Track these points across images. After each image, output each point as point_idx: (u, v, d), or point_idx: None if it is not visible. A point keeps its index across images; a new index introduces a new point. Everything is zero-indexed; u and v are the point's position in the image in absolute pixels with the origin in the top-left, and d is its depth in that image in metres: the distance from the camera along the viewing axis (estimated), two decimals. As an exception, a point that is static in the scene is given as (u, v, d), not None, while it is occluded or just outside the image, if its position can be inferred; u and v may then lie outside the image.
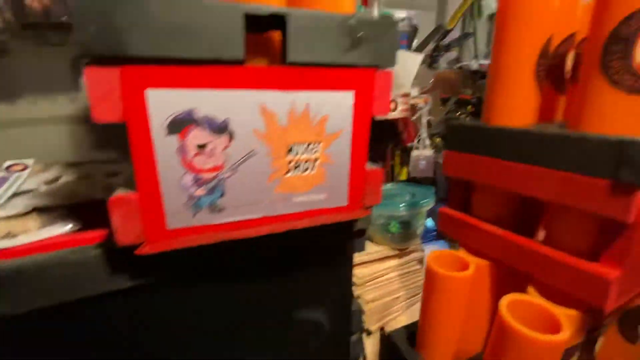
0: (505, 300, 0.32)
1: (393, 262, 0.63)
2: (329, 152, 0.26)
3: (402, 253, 0.63)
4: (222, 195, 0.24)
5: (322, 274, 0.36)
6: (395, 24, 0.25)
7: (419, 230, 0.61)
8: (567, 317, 0.31)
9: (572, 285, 0.31)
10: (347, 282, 0.38)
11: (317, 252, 0.35)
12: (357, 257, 0.60)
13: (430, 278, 0.39)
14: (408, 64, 0.64)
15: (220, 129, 0.22)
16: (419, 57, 0.64)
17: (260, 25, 0.23)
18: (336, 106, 0.25)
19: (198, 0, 0.20)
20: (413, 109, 0.71)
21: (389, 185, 0.67)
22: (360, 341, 0.43)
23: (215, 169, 0.23)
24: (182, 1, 0.19)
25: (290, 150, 0.25)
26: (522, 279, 0.37)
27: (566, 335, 0.29)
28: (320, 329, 0.38)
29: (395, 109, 0.64)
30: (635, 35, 0.26)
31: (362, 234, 0.37)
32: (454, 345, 0.41)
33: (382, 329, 0.60)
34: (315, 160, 0.26)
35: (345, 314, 0.40)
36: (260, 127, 0.23)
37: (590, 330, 0.35)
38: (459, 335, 0.41)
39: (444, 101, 0.79)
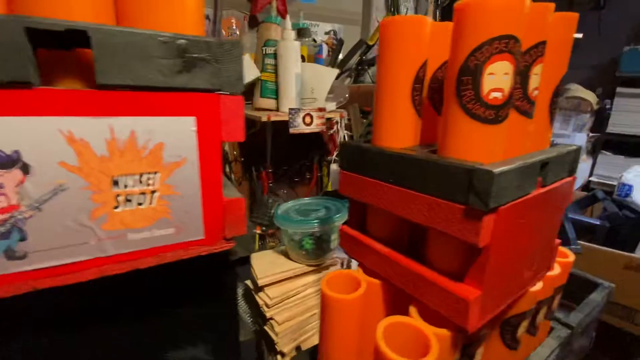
0: (384, 323, 0.32)
1: (310, 278, 0.62)
2: (171, 183, 0.23)
3: (319, 268, 0.62)
4: (22, 239, 0.20)
5: (200, 309, 0.33)
6: (239, 47, 0.23)
7: (334, 245, 0.61)
8: (438, 337, 0.31)
9: (441, 305, 0.32)
10: (231, 313, 0.35)
11: (192, 288, 0.32)
12: (272, 276, 0.58)
13: (323, 300, 0.38)
14: (322, 78, 0.64)
15: (8, 162, 0.18)
16: (333, 72, 0.64)
17: (64, 42, 0.19)
18: (174, 132, 0.22)
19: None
20: (330, 122, 0.71)
21: (307, 200, 0.66)
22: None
23: (7, 209, 0.19)
24: None
25: (116, 182, 0.22)
26: (408, 298, 0.37)
27: (434, 356, 0.29)
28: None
29: (310, 123, 0.63)
30: (482, 67, 0.27)
31: (244, 261, 0.35)
32: (350, 367, 0.40)
33: (298, 348, 0.58)
34: (153, 192, 0.23)
35: (235, 349, 0.37)
36: (70, 158, 0.20)
37: (467, 345, 0.36)
38: (356, 354, 0.41)
39: (365, 114, 0.80)
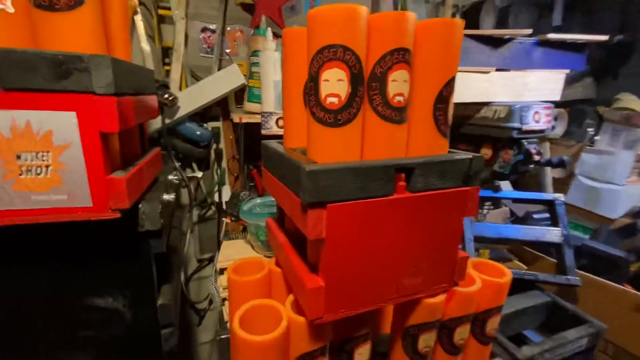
0: (246, 306, 0.35)
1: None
2: (62, 160, 0.31)
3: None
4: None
5: (116, 266, 0.41)
6: (107, 59, 0.30)
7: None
8: (291, 319, 0.34)
9: (298, 293, 0.34)
10: (146, 278, 0.43)
11: (107, 248, 0.40)
12: (230, 261, 0.64)
13: (230, 283, 0.43)
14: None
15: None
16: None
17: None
18: (60, 123, 0.30)
19: None
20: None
21: (271, 197, 0.71)
22: (173, 335, 0.47)
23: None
24: None
25: (19, 156, 0.30)
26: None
27: (280, 332, 0.32)
28: (118, 316, 0.43)
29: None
30: (317, 74, 0.30)
31: (157, 234, 0.42)
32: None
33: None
34: (47, 166, 0.31)
35: (151, 308, 0.44)
36: (-15, 137, 0.29)
37: (344, 342, 0.37)
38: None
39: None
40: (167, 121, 0.71)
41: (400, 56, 0.31)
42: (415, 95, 0.33)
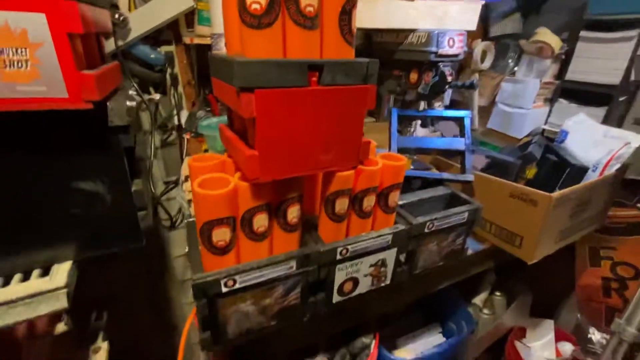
0: (204, 176, 0.48)
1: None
2: (38, 56, 0.39)
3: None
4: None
5: (93, 157, 0.50)
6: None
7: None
8: (237, 183, 0.46)
9: (241, 163, 0.47)
10: (119, 167, 0.53)
11: (85, 140, 0.49)
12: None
13: (191, 168, 0.54)
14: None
15: None
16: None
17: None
18: (33, 23, 0.37)
19: None
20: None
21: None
22: (147, 216, 0.59)
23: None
24: None
25: (1, 51, 0.37)
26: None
27: (227, 189, 0.45)
28: (100, 199, 0.53)
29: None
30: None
31: (124, 130, 0.51)
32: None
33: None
34: (27, 61, 0.39)
35: (126, 193, 0.55)
36: (-30, 33, 0.36)
37: (280, 203, 0.51)
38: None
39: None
40: (120, 43, 0.75)
41: (308, -26, 0.40)
42: (324, 7, 0.43)
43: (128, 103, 0.56)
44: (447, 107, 1.06)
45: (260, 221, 0.50)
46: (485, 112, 1.30)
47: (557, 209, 0.76)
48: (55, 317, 0.67)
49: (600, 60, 1.01)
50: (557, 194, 0.72)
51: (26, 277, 0.52)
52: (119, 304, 1.06)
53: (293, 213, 0.53)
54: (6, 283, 0.50)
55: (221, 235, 0.47)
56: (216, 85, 0.52)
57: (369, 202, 0.58)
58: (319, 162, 0.49)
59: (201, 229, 0.47)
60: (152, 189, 0.86)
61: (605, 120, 1.06)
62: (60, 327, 0.67)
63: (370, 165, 0.56)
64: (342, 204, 0.56)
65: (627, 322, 0.89)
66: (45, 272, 0.53)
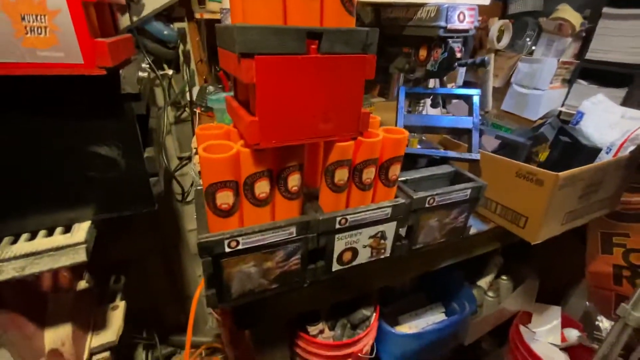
0: (208, 142, 0.50)
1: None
2: (56, 23, 0.42)
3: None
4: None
5: (107, 123, 0.54)
6: None
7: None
8: (240, 149, 0.49)
9: (243, 130, 0.49)
10: (132, 134, 0.56)
11: (100, 107, 0.52)
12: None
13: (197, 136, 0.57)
14: None
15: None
16: None
17: None
18: (50, -10, 0.40)
19: None
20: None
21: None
22: (158, 182, 0.62)
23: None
24: None
25: (23, 18, 0.41)
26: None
27: (231, 153, 0.47)
28: (115, 163, 0.57)
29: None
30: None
31: (136, 98, 0.54)
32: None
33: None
34: (46, 27, 0.42)
35: (139, 159, 0.59)
36: (-3, 1, 0.39)
37: (281, 171, 0.53)
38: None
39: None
40: (135, 19, 0.78)
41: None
42: (325, -23, 0.44)
43: (140, 73, 0.59)
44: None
45: (262, 187, 0.52)
46: (500, 93, 1.26)
47: (564, 189, 0.75)
48: (77, 274, 0.73)
49: (623, 38, 0.96)
50: (564, 173, 0.71)
51: (50, 234, 0.57)
52: (136, 271, 1.13)
53: (294, 181, 0.55)
54: (32, 237, 0.55)
55: (224, 198, 0.50)
56: (222, 56, 0.54)
57: (369, 174, 0.60)
58: (318, 130, 0.51)
59: (206, 192, 0.50)
60: (166, 163, 0.90)
61: (626, 102, 1.01)
62: (82, 284, 0.73)
63: (371, 137, 0.57)
64: (341, 175, 0.57)
65: (634, 307, 0.88)
66: (67, 230, 0.58)
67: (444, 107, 1.27)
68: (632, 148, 0.83)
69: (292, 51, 0.43)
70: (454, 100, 1.22)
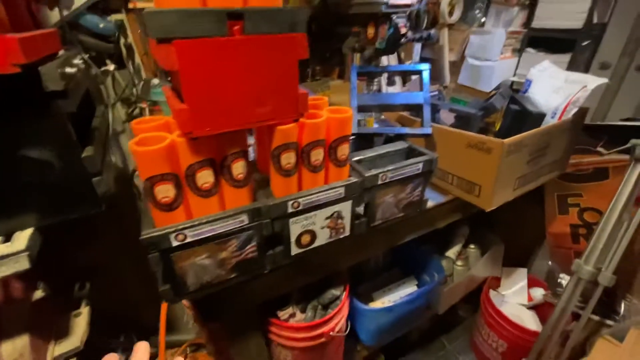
0: (141, 135, 0.49)
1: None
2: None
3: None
4: None
5: (35, 125, 0.51)
6: None
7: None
8: (180, 143, 0.48)
9: (176, 119, 0.48)
10: (65, 133, 0.54)
11: (24, 107, 0.49)
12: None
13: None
14: None
15: None
16: None
17: None
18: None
19: None
20: None
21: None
22: (102, 181, 0.60)
23: None
24: None
25: None
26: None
27: (165, 144, 0.46)
28: (51, 166, 0.55)
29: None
30: None
31: (63, 95, 0.52)
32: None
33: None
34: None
35: (77, 159, 0.56)
36: None
37: (223, 160, 0.53)
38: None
39: None
40: (65, 13, 0.73)
41: None
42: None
43: (68, 69, 0.56)
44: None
45: (205, 177, 0.52)
46: (457, 67, 1.28)
47: (511, 155, 0.77)
48: (30, 284, 0.70)
49: (565, 5, 0.99)
50: (508, 140, 0.74)
51: (-11, 245, 0.54)
52: (109, 275, 1.10)
53: (238, 169, 0.54)
54: (-31, 250, 0.53)
55: (164, 192, 0.49)
56: (150, 45, 0.52)
57: (317, 155, 0.60)
58: (255, 115, 0.50)
59: (145, 187, 0.48)
60: (124, 162, 0.88)
61: (571, 66, 1.05)
62: (38, 294, 0.71)
63: (315, 118, 0.57)
64: (288, 159, 0.57)
65: (586, 262, 0.94)
66: (8, 239, 0.55)
67: (404, 85, 1.28)
68: (575, 110, 0.86)
69: (212, 33, 0.42)
70: (413, 77, 1.24)
